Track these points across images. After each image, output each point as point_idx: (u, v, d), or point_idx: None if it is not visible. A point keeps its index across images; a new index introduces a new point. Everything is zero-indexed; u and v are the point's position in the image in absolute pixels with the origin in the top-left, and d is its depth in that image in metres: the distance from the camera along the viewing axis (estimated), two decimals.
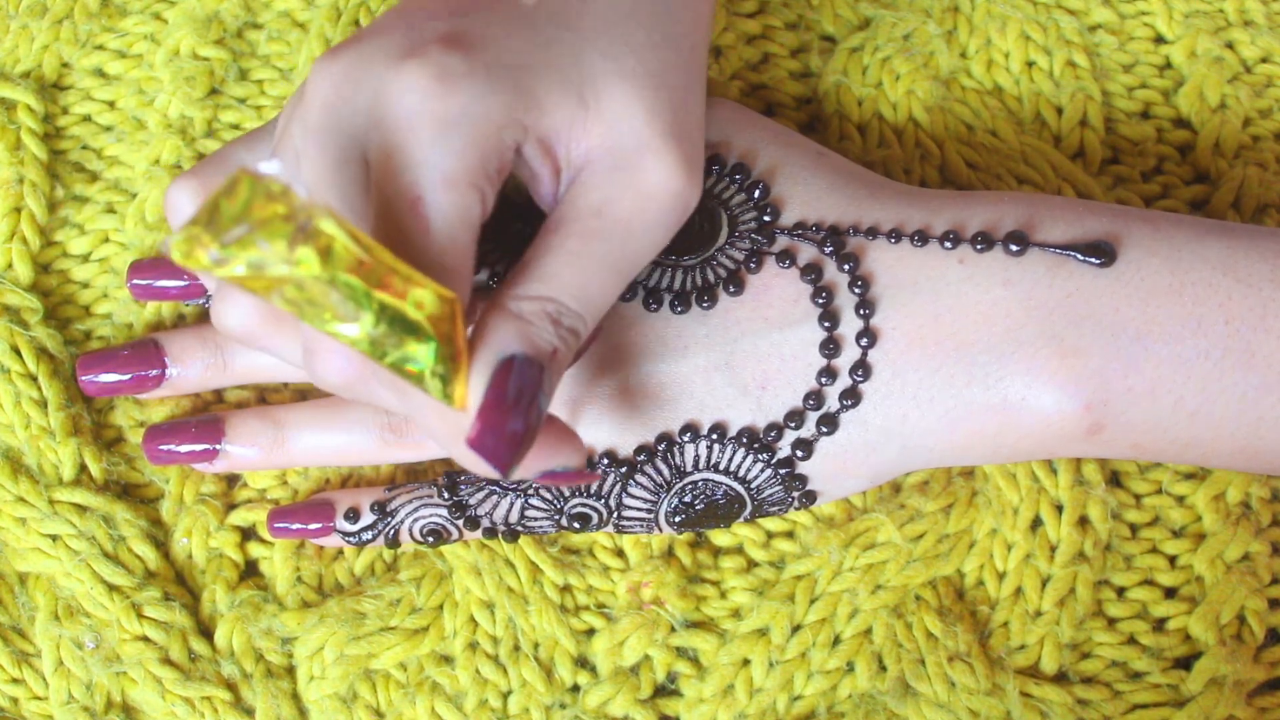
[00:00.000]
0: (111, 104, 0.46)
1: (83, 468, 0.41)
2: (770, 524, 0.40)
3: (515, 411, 0.30)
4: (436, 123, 0.30)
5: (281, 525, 0.40)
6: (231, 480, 0.42)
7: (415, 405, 0.31)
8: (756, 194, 0.37)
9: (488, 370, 0.30)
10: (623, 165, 0.33)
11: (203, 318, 0.43)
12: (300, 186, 0.25)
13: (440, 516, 0.39)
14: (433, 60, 0.31)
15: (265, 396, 0.42)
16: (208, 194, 0.35)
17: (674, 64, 0.34)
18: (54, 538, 0.40)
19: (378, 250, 0.27)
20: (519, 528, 0.39)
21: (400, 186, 0.30)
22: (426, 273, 0.29)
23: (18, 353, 0.42)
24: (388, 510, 0.39)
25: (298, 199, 0.25)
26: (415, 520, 0.39)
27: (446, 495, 0.38)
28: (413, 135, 0.30)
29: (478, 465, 0.30)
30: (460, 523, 0.38)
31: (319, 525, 0.39)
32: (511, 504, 0.38)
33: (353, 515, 0.39)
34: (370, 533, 0.39)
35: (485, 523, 0.38)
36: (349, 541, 0.39)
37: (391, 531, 0.39)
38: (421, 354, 0.28)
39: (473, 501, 0.38)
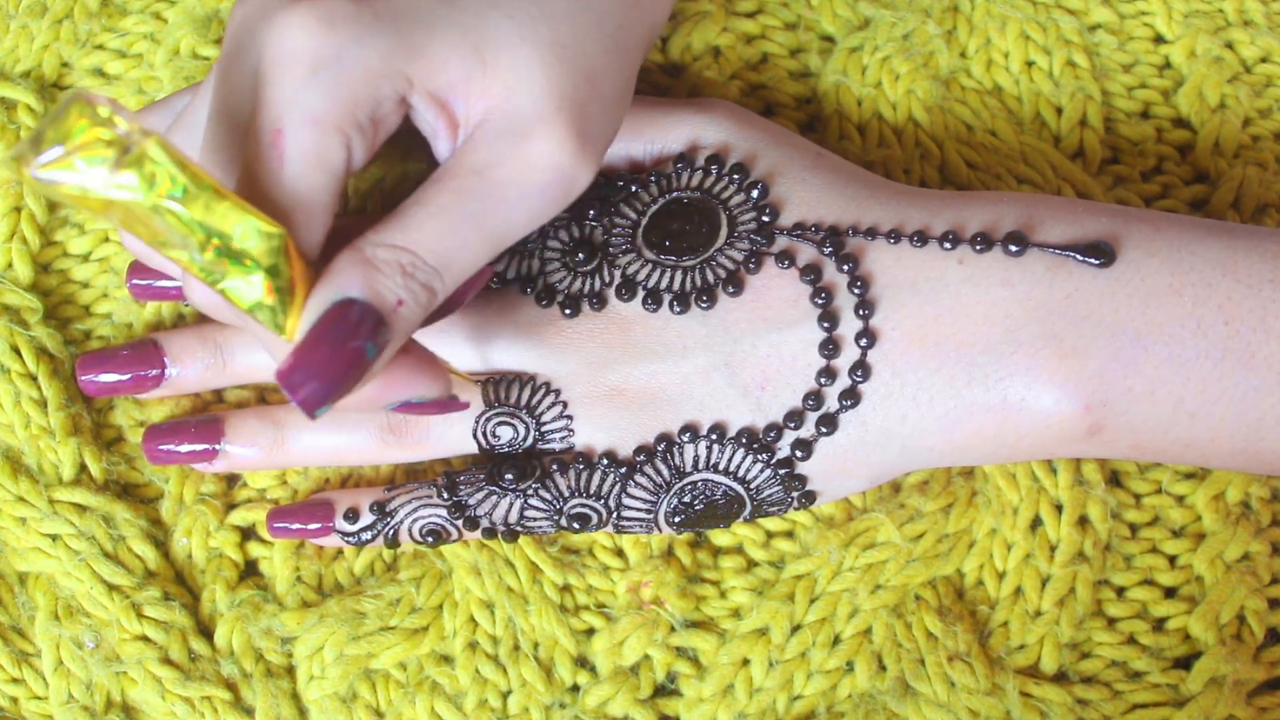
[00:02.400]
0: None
1: (83, 467, 0.41)
2: (770, 524, 0.40)
3: (336, 353, 0.30)
4: (310, 61, 0.30)
5: (281, 525, 0.40)
6: (231, 480, 0.42)
7: (257, 332, 0.31)
8: (755, 194, 0.37)
9: (320, 306, 0.30)
10: (512, 130, 0.32)
11: (202, 318, 0.43)
12: (126, 112, 0.26)
13: (439, 517, 0.39)
14: (322, 3, 0.31)
15: (265, 396, 0.42)
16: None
17: (592, 39, 0.33)
18: (54, 537, 0.40)
19: (206, 180, 0.27)
20: (518, 528, 0.39)
21: (266, 119, 0.31)
22: (276, 207, 0.30)
23: (18, 352, 0.42)
24: (387, 510, 0.39)
25: (123, 124, 0.25)
26: (414, 520, 0.39)
27: (446, 495, 0.38)
28: (286, 71, 0.31)
29: (290, 397, 0.30)
30: (459, 523, 0.38)
31: (318, 525, 0.39)
32: (511, 504, 0.38)
33: (352, 515, 0.39)
34: (370, 533, 0.39)
35: (485, 523, 0.38)
36: (348, 541, 0.39)
37: (391, 532, 0.39)
38: (250, 285, 0.29)
39: (472, 502, 0.38)
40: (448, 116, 0.33)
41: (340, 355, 0.30)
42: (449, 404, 0.34)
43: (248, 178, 0.31)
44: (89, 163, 0.25)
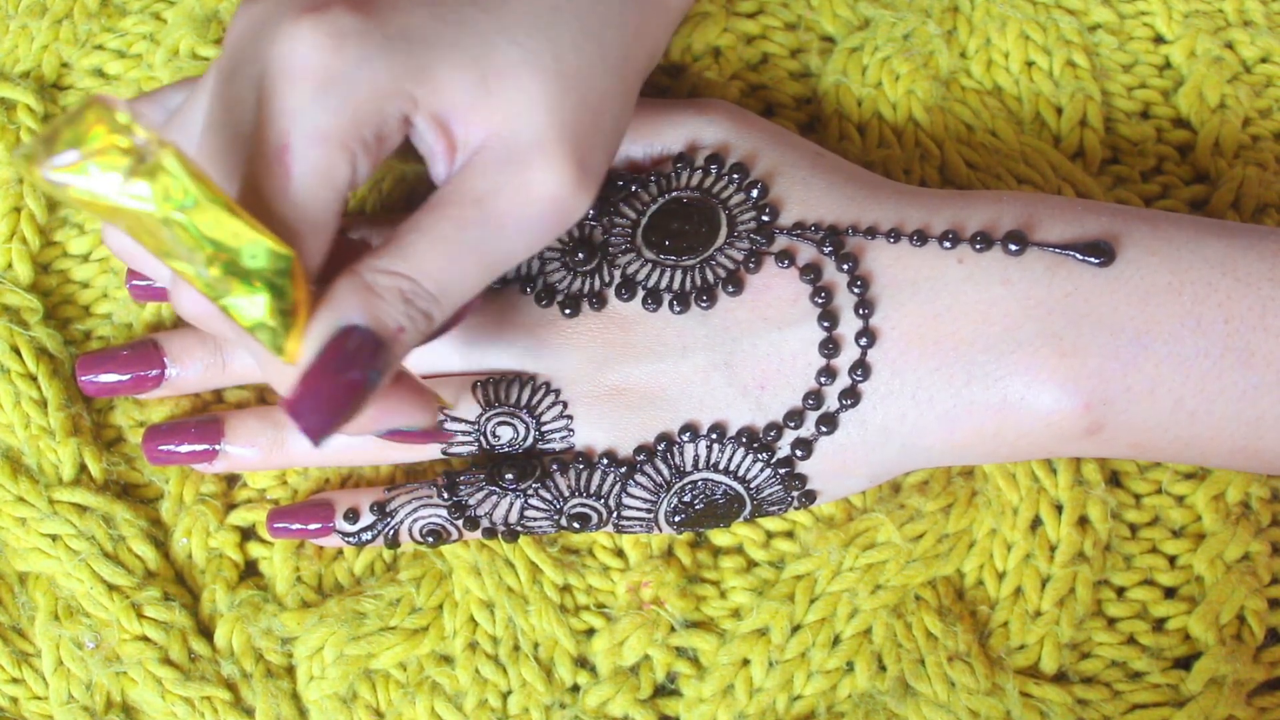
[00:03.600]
0: None
1: (82, 468, 0.41)
2: (770, 524, 0.40)
3: (341, 382, 0.30)
4: (318, 78, 0.30)
5: (281, 526, 0.40)
6: (231, 480, 0.42)
7: (254, 350, 0.31)
8: (755, 194, 0.37)
9: (324, 334, 0.30)
10: (512, 159, 0.32)
11: None
12: (146, 121, 0.25)
13: (440, 517, 0.39)
14: (330, 18, 0.31)
15: (265, 396, 0.42)
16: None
17: (596, 69, 0.33)
18: (54, 538, 0.40)
19: (219, 195, 0.27)
20: (518, 528, 0.39)
21: (272, 134, 0.30)
22: (281, 224, 0.30)
23: (18, 353, 0.42)
24: (387, 511, 0.39)
25: (141, 133, 0.25)
26: (415, 521, 0.39)
27: (446, 495, 0.38)
28: (293, 86, 0.30)
29: (296, 426, 0.30)
30: (460, 523, 0.38)
31: (318, 526, 0.39)
32: (511, 504, 0.38)
33: (352, 516, 0.39)
34: (370, 533, 0.39)
35: (485, 523, 0.38)
36: (349, 542, 0.39)
37: (391, 532, 0.39)
38: (253, 304, 0.29)
39: (472, 502, 0.38)
40: (448, 139, 0.32)
41: (344, 383, 0.30)
42: (436, 434, 0.35)
43: (251, 192, 0.30)
44: (103, 169, 0.25)
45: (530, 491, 0.38)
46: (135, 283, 0.41)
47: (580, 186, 0.32)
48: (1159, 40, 0.46)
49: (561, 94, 0.32)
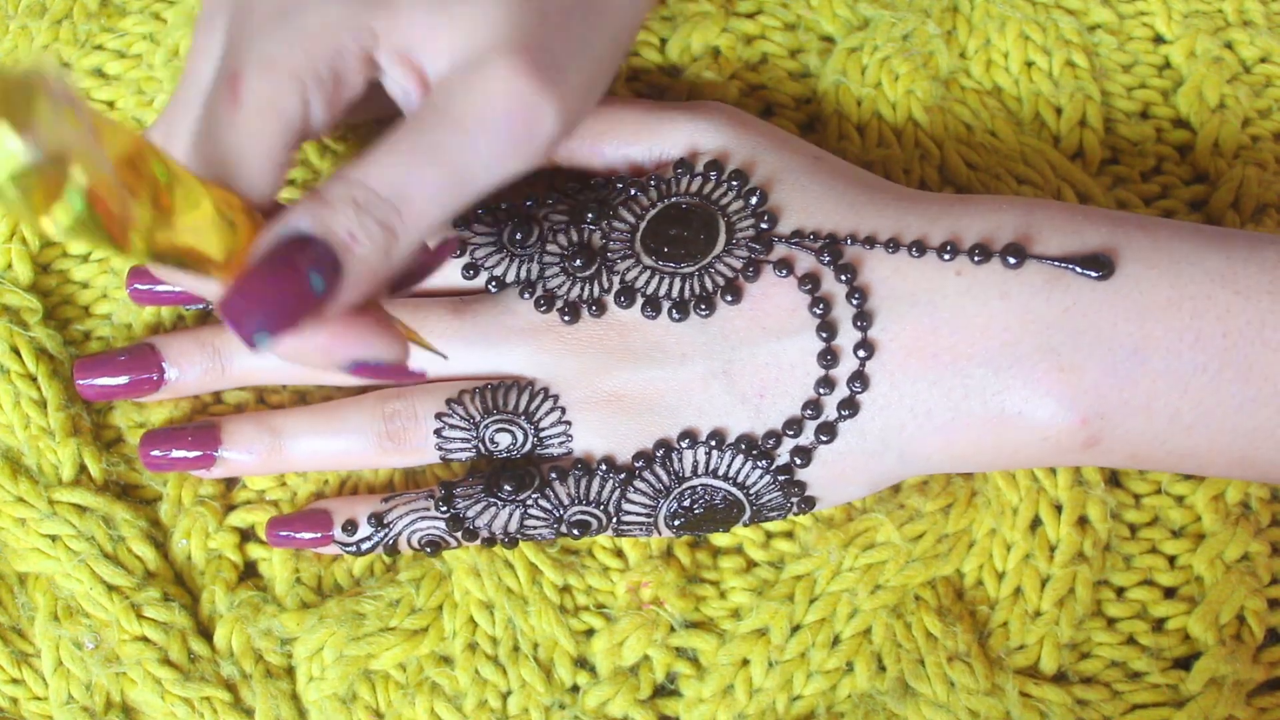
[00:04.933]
0: (111, 104, 0.46)
1: (82, 468, 0.41)
2: (770, 524, 0.40)
3: (278, 282, 0.29)
4: (272, 10, 0.31)
5: (281, 534, 0.40)
6: (230, 482, 0.42)
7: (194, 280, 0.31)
8: (754, 201, 0.37)
9: (267, 243, 0.29)
10: (471, 69, 0.31)
11: (202, 320, 0.43)
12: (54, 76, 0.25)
13: (438, 529, 0.38)
14: None
15: (265, 397, 0.42)
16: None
17: None
18: (53, 538, 0.40)
19: (130, 135, 0.26)
20: (519, 536, 0.39)
21: (227, 65, 0.31)
22: (228, 152, 0.30)
23: (17, 353, 0.42)
24: (384, 522, 0.39)
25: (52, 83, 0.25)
26: (412, 532, 0.39)
27: (443, 508, 0.38)
28: (248, 18, 0.31)
29: (229, 326, 0.29)
30: (459, 534, 0.38)
31: (317, 535, 0.39)
32: (510, 514, 0.38)
33: (350, 527, 0.39)
34: (368, 543, 0.39)
35: (484, 533, 0.38)
36: (348, 551, 0.39)
37: (389, 542, 0.39)
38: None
39: (470, 514, 0.38)
40: (418, 76, 0.32)
41: (282, 284, 0.29)
42: (404, 371, 0.33)
43: (205, 124, 0.30)
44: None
45: (530, 501, 0.38)
46: (136, 286, 0.41)
47: (543, 91, 0.31)
48: (1158, 40, 0.46)
49: (520, 7, 0.31)
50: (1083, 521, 0.39)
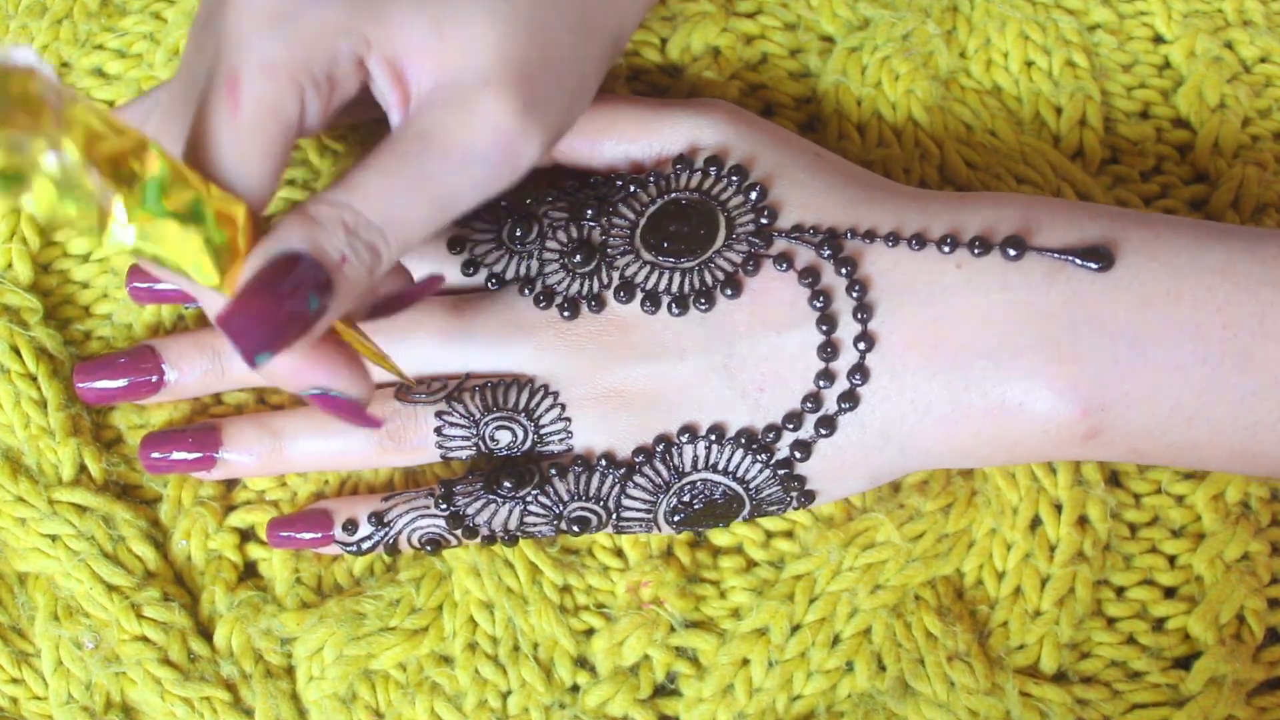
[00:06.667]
0: (111, 104, 0.46)
1: (82, 468, 0.41)
2: (769, 523, 0.40)
3: (278, 301, 0.30)
4: (271, 12, 0.31)
5: (281, 535, 0.40)
6: (230, 482, 0.42)
7: (192, 287, 0.31)
8: (754, 196, 0.37)
9: (262, 260, 0.30)
10: (459, 96, 0.32)
11: (202, 321, 0.43)
12: (49, 68, 0.25)
13: (438, 527, 0.38)
14: None
15: (265, 398, 0.42)
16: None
17: (551, 14, 0.33)
18: (53, 538, 0.40)
19: (131, 134, 0.27)
20: (518, 533, 0.39)
21: (225, 67, 0.31)
22: (229, 154, 0.30)
23: (17, 353, 0.42)
24: (385, 521, 0.39)
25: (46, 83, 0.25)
26: (413, 530, 0.39)
27: (443, 506, 0.38)
28: (246, 20, 0.31)
29: (230, 343, 0.30)
30: (459, 532, 0.38)
31: (317, 535, 0.39)
32: (510, 511, 0.38)
33: (351, 526, 0.39)
34: (368, 543, 0.39)
35: (484, 530, 0.38)
36: (349, 550, 0.39)
37: (390, 541, 0.39)
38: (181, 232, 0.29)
39: (470, 511, 0.38)
40: (402, 87, 0.33)
41: (282, 303, 0.30)
42: (363, 414, 0.33)
43: (201, 124, 0.31)
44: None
45: (529, 498, 0.38)
46: (136, 285, 0.41)
47: (527, 123, 0.32)
48: (1158, 40, 0.46)
49: (511, 35, 0.32)
50: (1083, 521, 0.39)
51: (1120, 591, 0.40)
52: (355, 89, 0.33)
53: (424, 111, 0.32)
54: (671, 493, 0.38)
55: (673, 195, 0.38)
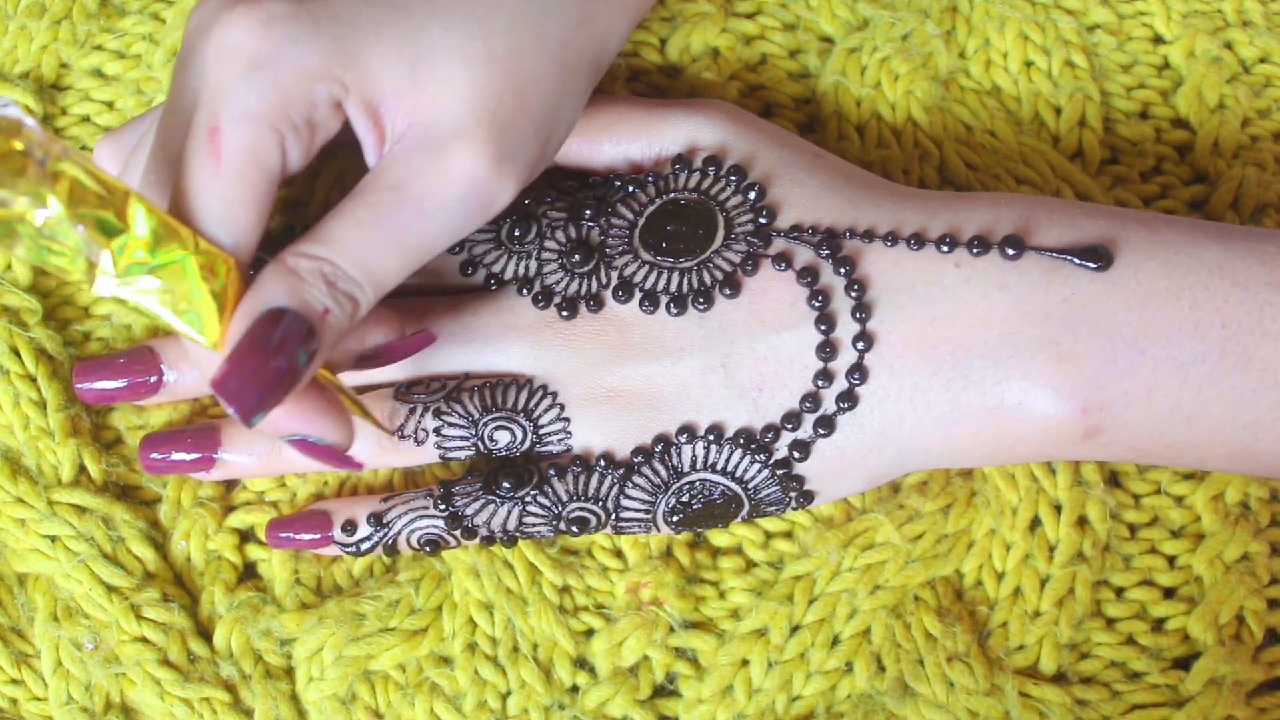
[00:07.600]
0: (110, 104, 0.46)
1: (82, 469, 0.41)
2: (769, 524, 0.40)
3: (269, 360, 0.30)
4: (248, 60, 0.31)
5: (280, 536, 0.40)
6: (229, 483, 0.42)
7: (183, 339, 0.32)
8: (753, 196, 0.37)
9: (249, 316, 0.31)
10: (432, 145, 0.32)
11: None
12: (34, 123, 0.26)
13: (437, 527, 0.39)
14: (263, 4, 0.32)
15: None
16: (126, 153, 0.37)
17: (530, 54, 0.34)
18: (53, 539, 0.40)
19: (117, 187, 0.28)
20: (517, 534, 0.39)
21: (204, 116, 0.31)
22: (212, 204, 0.31)
23: (17, 354, 0.42)
24: (384, 522, 0.39)
25: (35, 137, 0.26)
26: (412, 531, 0.39)
27: (442, 506, 0.38)
28: (225, 69, 0.31)
29: (226, 406, 0.30)
30: (458, 533, 0.38)
31: (316, 536, 0.39)
32: (509, 512, 0.38)
33: (350, 528, 0.39)
34: (368, 543, 0.39)
35: (483, 531, 0.38)
36: (348, 551, 0.39)
37: (389, 542, 0.39)
38: (164, 286, 0.30)
39: (469, 512, 0.38)
40: (378, 129, 0.33)
41: (273, 362, 0.30)
42: (344, 459, 0.34)
43: (184, 176, 0.31)
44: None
45: (528, 498, 0.38)
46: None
47: (500, 172, 0.33)
48: (1158, 40, 0.46)
49: (486, 80, 0.33)
50: (1082, 522, 0.39)
51: (1120, 592, 0.40)
52: (336, 129, 0.33)
53: (397, 160, 0.33)
54: (670, 493, 0.38)
55: (671, 195, 0.38)
